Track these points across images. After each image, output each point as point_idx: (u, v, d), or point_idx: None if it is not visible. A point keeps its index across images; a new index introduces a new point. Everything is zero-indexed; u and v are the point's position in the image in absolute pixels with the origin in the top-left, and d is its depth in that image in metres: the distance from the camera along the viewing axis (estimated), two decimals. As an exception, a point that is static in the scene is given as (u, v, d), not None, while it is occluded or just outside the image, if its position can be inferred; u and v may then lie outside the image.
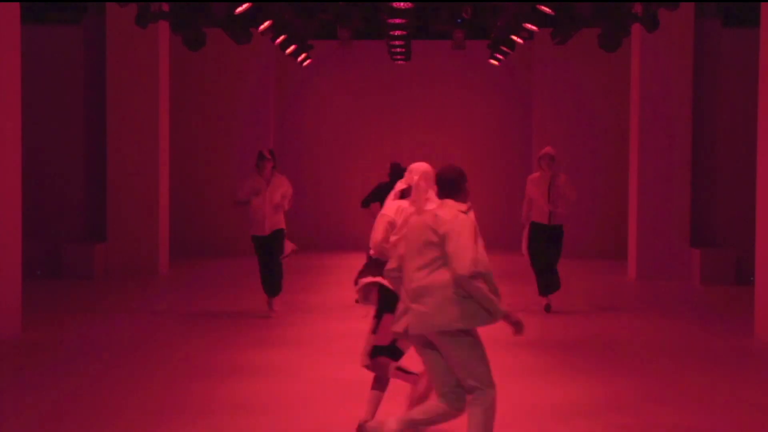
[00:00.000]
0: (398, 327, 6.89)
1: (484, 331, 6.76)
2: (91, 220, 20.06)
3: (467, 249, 6.59)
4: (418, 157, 22.73)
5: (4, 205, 12.33)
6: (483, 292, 6.56)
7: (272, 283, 14.17)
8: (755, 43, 13.24)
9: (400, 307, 6.89)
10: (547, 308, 14.47)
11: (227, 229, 22.03)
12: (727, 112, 19.85)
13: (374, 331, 7.97)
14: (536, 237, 14.43)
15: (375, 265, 8.04)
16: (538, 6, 14.53)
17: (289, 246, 14.14)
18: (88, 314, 14.51)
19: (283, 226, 14.14)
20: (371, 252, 8.16)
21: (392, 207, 8.09)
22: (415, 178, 7.90)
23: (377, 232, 8.03)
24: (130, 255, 18.73)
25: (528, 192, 14.58)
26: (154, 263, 18.83)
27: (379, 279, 7.87)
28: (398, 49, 21.64)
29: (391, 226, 7.99)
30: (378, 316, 7.94)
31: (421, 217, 6.97)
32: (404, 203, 8.04)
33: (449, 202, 6.87)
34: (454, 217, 6.73)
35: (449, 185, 6.91)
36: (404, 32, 19.41)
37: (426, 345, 6.79)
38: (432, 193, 7.80)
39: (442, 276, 6.65)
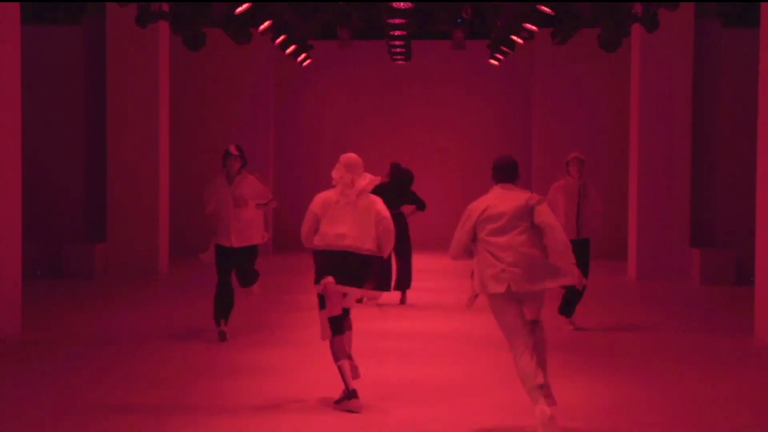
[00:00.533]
0: (499, 288, 7.80)
1: (483, 332, 6.75)
2: (91, 220, 20.07)
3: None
4: (418, 157, 23.01)
5: (4, 205, 12.32)
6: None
7: (225, 304, 12.30)
8: (755, 43, 13.24)
9: (494, 271, 7.81)
10: (574, 326, 13.29)
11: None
12: (727, 112, 19.85)
13: (322, 307, 8.83)
14: None
15: (327, 262, 8.80)
16: (538, 6, 14.54)
17: (256, 288, 12.44)
18: (88, 314, 14.52)
19: (256, 241, 12.06)
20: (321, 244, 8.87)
21: (318, 199, 9.26)
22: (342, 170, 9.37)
23: (304, 225, 9.07)
24: (130, 255, 18.71)
25: (551, 202, 12.99)
26: (154, 263, 18.82)
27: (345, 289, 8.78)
28: (398, 49, 21.64)
29: (315, 217, 9.06)
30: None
31: (512, 196, 7.92)
32: (329, 193, 9.27)
33: (511, 185, 7.97)
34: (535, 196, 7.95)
35: (509, 171, 8.02)
36: (404, 32, 19.41)
37: (516, 302, 7.89)
38: (359, 180, 9.34)
39: (537, 244, 7.83)
